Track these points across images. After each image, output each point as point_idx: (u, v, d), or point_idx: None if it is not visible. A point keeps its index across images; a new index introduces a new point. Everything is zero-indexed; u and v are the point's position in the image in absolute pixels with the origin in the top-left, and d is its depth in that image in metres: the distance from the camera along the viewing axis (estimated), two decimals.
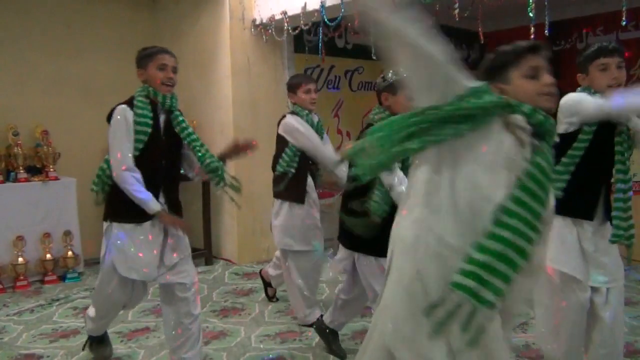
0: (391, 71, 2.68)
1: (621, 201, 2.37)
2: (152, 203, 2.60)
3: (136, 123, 2.62)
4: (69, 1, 5.34)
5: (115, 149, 2.62)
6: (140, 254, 2.66)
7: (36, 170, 4.88)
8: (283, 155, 3.48)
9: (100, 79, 5.34)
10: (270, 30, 5.17)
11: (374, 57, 4.67)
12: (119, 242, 2.67)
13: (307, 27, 4.77)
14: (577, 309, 2.47)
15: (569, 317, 2.49)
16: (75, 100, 5.22)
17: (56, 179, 4.83)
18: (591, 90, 2.37)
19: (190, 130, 2.85)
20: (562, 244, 2.43)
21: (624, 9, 3.48)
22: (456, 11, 3.91)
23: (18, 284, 4.57)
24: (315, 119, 3.64)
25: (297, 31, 4.94)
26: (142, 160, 2.64)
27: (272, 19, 5.05)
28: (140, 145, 2.63)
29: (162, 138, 2.73)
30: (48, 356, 3.25)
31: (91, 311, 3.00)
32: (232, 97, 5.17)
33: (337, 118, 6.09)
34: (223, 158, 2.87)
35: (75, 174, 4.89)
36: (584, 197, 2.41)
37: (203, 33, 5.43)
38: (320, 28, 4.87)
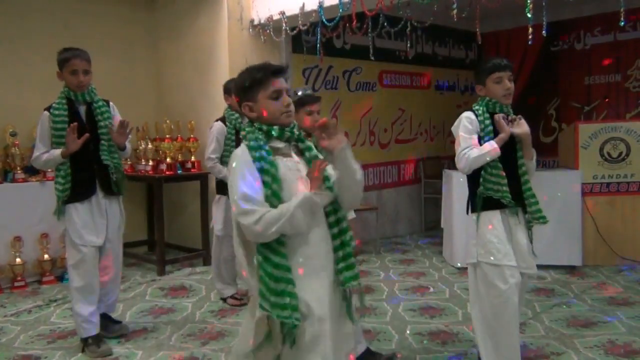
0: (301, 88, 2.91)
1: (530, 184, 2.71)
2: (54, 153, 3.16)
3: (54, 122, 3.17)
4: (67, 1, 5.33)
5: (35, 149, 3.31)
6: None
7: (34, 171, 4.87)
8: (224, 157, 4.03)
9: (98, 78, 5.26)
10: (268, 31, 5.17)
11: (372, 58, 4.68)
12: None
13: (305, 27, 4.77)
14: (512, 294, 2.60)
15: (508, 306, 2.59)
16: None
17: (54, 179, 4.81)
18: (490, 100, 2.75)
19: (102, 123, 3.26)
20: (495, 237, 2.63)
21: (621, 10, 3.48)
22: (454, 11, 3.91)
23: (16, 284, 4.56)
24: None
25: (295, 31, 4.95)
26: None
27: (270, 19, 5.05)
28: (64, 138, 3.11)
29: (85, 126, 3.19)
30: (46, 357, 3.24)
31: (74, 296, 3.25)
32: None
33: (335, 118, 6.09)
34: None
35: None
36: (511, 188, 2.65)
37: (201, 33, 5.43)
38: (319, 28, 4.87)
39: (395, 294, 4.35)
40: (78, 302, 3.22)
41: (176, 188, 5.60)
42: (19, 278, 4.58)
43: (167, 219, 5.45)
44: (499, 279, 2.59)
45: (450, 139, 7.28)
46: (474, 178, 2.73)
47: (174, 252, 5.59)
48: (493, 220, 2.66)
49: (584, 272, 4.78)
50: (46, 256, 4.71)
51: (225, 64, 5.20)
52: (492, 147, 2.60)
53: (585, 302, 4.02)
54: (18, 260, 4.55)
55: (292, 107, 1.90)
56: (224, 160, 3.98)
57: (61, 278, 4.80)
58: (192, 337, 3.52)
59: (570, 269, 4.83)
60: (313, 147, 1.96)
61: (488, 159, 2.60)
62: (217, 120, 4.12)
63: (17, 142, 4.77)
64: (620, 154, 4.92)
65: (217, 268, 4.21)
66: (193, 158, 5.41)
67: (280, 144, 1.89)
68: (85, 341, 3.25)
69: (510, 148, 2.67)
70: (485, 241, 2.65)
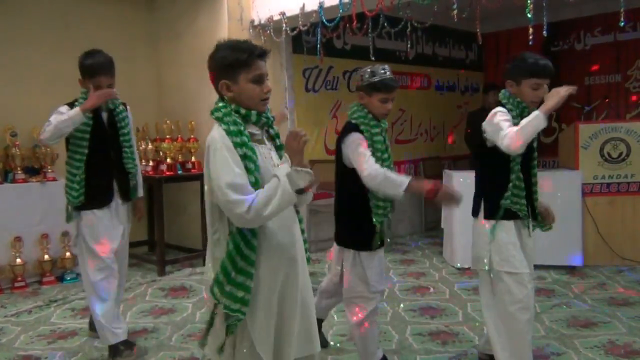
0: (368, 71, 2.69)
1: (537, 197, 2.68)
2: (70, 112, 2.99)
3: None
4: (67, 1, 5.33)
5: None
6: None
7: (34, 171, 4.88)
8: None
9: None
10: (268, 31, 5.17)
11: (372, 58, 4.68)
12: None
13: (305, 27, 4.77)
14: (530, 300, 2.61)
15: (523, 313, 2.59)
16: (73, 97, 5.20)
17: (54, 179, 4.82)
18: (521, 102, 2.55)
19: (124, 130, 3.23)
20: (512, 245, 2.60)
21: (622, 10, 3.48)
22: (454, 12, 3.91)
23: (16, 285, 4.56)
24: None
25: (295, 32, 4.95)
26: (93, 154, 3.08)
27: (270, 19, 5.05)
28: (85, 143, 3.05)
29: (107, 132, 3.16)
30: (46, 357, 3.24)
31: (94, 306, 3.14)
32: None
33: (336, 119, 6.09)
34: None
35: None
36: (525, 198, 2.61)
37: (201, 33, 5.43)
38: (319, 29, 4.87)
39: (395, 294, 4.35)
40: (103, 309, 3.12)
41: (176, 188, 5.60)
42: (19, 278, 4.58)
43: (167, 220, 5.45)
44: (518, 286, 2.57)
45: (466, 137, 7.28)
46: (490, 184, 2.67)
47: (174, 253, 5.59)
48: (509, 228, 2.62)
49: (584, 272, 4.78)
50: (46, 257, 4.71)
51: None
52: (538, 113, 2.37)
53: (586, 303, 4.02)
54: (18, 260, 4.55)
55: (270, 95, 1.87)
56: None
57: (61, 278, 4.81)
58: (192, 338, 3.52)
59: (571, 269, 4.83)
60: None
61: (538, 127, 2.37)
62: None
63: (17, 143, 4.77)
64: (621, 154, 4.92)
65: None
66: (193, 158, 5.41)
67: (255, 130, 1.86)
68: (115, 348, 3.14)
69: (527, 157, 2.61)
70: (502, 249, 2.60)
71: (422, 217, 7.02)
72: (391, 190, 2.53)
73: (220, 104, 1.85)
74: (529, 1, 3.62)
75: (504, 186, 2.59)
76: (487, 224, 2.66)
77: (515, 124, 2.46)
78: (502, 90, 2.66)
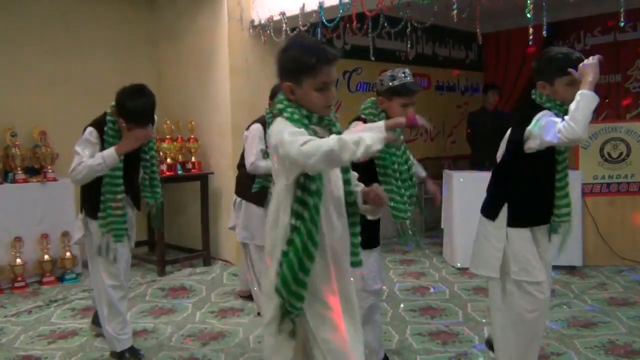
0: (388, 75, 2.65)
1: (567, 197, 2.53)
2: (107, 154, 2.85)
3: (107, 135, 2.92)
4: (67, 1, 5.33)
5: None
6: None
7: (34, 171, 4.88)
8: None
9: (98, 79, 5.33)
10: (268, 31, 5.17)
11: (372, 58, 4.68)
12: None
13: (305, 28, 4.76)
14: (544, 308, 2.57)
15: (538, 320, 2.54)
16: (73, 101, 5.21)
17: (54, 180, 4.83)
18: (556, 102, 2.39)
19: (147, 155, 3.11)
20: (530, 253, 2.50)
21: (622, 10, 3.48)
22: (454, 12, 3.90)
23: (16, 285, 4.56)
24: None
25: (295, 32, 4.94)
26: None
27: (270, 19, 5.05)
28: (119, 180, 2.94)
29: (131, 153, 2.98)
30: (46, 357, 3.24)
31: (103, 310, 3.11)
32: (230, 98, 5.17)
33: (336, 119, 6.08)
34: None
35: None
36: (543, 204, 2.52)
37: (201, 33, 5.43)
38: (319, 29, 4.87)
39: (395, 294, 4.35)
40: (111, 314, 3.09)
41: (176, 188, 5.60)
42: (19, 278, 4.58)
43: (168, 220, 5.45)
44: (534, 295, 2.49)
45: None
46: (520, 192, 2.53)
47: (174, 253, 5.59)
48: (528, 236, 2.52)
49: (584, 272, 4.78)
50: (46, 257, 4.71)
51: (225, 65, 5.20)
52: (584, 91, 2.19)
53: (586, 303, 4.02)
54: (18, 260, 4.55)
55: (334, 101, 1.83)
56: None
57: (61, 279, 4.81)
58: (192, 338, 3.52)
59: (571, 269, 4.83)
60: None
61: (591, 106, 2.18)
62: (254, 122, 3.76)
63: (17, 143, 4.77)
64: (621, 154, 4.92)
65: (259, 281, 3.75)
66: (193, 158, 5.41)
67: (317, 129, 1.81)
68: (121, 355, 3.14)
69: (550, 161, 2.47)
70: (520, 258, 2.50)
71: (422, 217, 7.01)
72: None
73: (285, 102, 1.79)
74: (528, 1, 3.61)
75: (535, 195, 2.49)
76: (505, 231, 2.52)
77: None
78: (534, 92, 2.48)
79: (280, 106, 1.79)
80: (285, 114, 1.75)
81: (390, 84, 2.61)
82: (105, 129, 2.93)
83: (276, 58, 1.81)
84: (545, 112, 2.36)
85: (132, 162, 3.04)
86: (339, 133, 1.83)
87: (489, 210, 2.59)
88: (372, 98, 2.74)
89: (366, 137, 1.60)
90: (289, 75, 1.76)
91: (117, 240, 3.00)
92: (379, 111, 2.67)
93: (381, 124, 1.74)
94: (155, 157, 3.18)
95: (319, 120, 1.81)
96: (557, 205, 2.51)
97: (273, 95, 3.63)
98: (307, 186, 1.72)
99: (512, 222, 2.51)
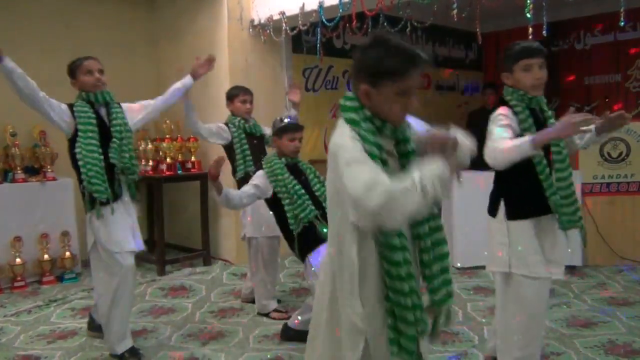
0: (286, 115, 3.06)
1: (564, 189, 2.48)
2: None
3: (79, 117, 3.06)
4: (68, 1, 5.33)
5: None
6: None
7: (34, 171, 4.88)
8: (237, 159, 3.88)
9: None
10: (268, 31, 5.17)
11: None
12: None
13: (305, 27, 4.77)
14: (544, 304, 2.56)
15: (539, 315, 2.54)
16: (73, 101, 5.19)
17: (54, 179, 4.83)
18: (517, 92, 2.45)
19: (115, 122, 3.18)
20: (530, 248, 2.50)
21: (622, 10, 3.48)
22: (454, 12, 3.91)
23: (15, 284, 4.56)
24: (251, 122, 4.05)
25: (295, 31, 4.95)
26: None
27: (270, 19, 5.05)
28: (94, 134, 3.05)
29: (108, 127, 3.14)
30: (46, 357, 3.24)
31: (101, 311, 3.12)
32: None
33: (335, 118, 6.09)
34: None
35: (73, 175, 4.85)
36: (534, 195, 2.50)
37: (201, 33, 5.43)
38: (319, 28, 4.87)
39: None
40: (115, 315, 3.08)
41: (176, 188, 5.60)
42: (18, 278, 4.58)
43: (167, 219, 5.45)
44: (532, 290, 2.49)
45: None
46: (511, 184, 2.55)
47: (174, 252, 5.59)
48: (528, 229, 2.51)
49: (584, 272, 4.78)
50: (46, 256, 4.71)
51: (225, 64, 5.20)
52: (529, 139, 2.19)
53: (585, 302, 4.02)
54: (18, 260, 4.55)
55: (414, 109, 1.60)
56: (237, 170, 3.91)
57: (61, 278, 4.81)
58: (192, 337, 3.52)
59: (570, 269, 4.82)
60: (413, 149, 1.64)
61: (523, 154, 2.21)
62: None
63: (17, 142, 4.77)
64: (620, 154, 4.92)
65: (263, 280, 3.87)
66: (193, 158, 5.41)
67: (387, 142, 1.60)
68: (121, 356, 3.13)
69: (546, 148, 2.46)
70: (520, 251, 2.50)
71: None
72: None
73: (356, 105, 1.57)
74: (528, 1, 3.61)
75: (526, 187, 2.49)
76: (504, 225, 2.54)
77: (523, 120, 2.40)
78: (504, 87, 2.54)
79: (352, 116, 1.56)
80: (357, 128, 1.52)
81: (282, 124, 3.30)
82: None
83: (355, 57, 1.61)
84: (498, 113, 2.42)
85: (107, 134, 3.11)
86: (410, 153, 1.62)
87: (490, 207, 2.64)
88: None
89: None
90: (369, 77, 1.54)
91: (99, 197, 3.00)
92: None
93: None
94: (123, 127, 3.18)
95: (392, 132, 1.58)
96: (549, 198, 2.49)
97: (228, 97, 4.05)
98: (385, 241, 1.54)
99: (510, 215, 2.53)
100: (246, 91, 4.07)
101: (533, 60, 2.41)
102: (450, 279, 1.68)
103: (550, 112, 2.53)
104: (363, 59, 1.57)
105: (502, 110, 2.44)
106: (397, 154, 1.63)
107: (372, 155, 1.48)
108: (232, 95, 4.04)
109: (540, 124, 2.45)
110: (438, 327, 1.69)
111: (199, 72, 3.64)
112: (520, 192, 2.52)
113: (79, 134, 3.03)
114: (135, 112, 3.36)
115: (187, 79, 3.61)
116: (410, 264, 1.56)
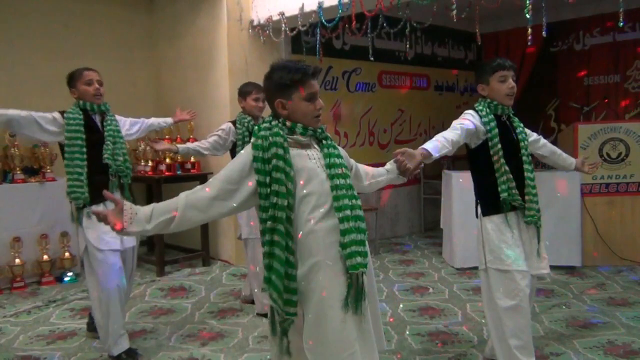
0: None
1: (531, 187, 2.73)
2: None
3: (67, 124, 3.11)
4: (67, 2, 5.33)
5: None
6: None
7: (33, 171, 4.88)
8: None
9: None
10: (267, 31, 5.17)
11: (372, 58, 4.68)
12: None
13: (304, 28, 4.77)
14: (523, 298, 2.64)
15: (522, 310, 2.63)
16: (72, 101, 5.19)
17: (53, 180, 4.83)
18: (492, 102, 2.79)
19: (109, 127, 3.23)
20: (503, 242, 2.67)
21: (621, 11, 3.48)
22: (454, 12, 3.90)
23: (15, 285, 4.56)
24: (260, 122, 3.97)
25: (294, 32, 4.95)
26: (91, 154, 3.10)
27: (269, 19, 5.05)
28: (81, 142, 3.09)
29: (102, 133, 3.20)
30: (45, 358, 3.24)
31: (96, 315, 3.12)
32: (229, 98, 5.17)
33: (335, 119, 6.09)
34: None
35: None
36: (494, 191, 2.70)
37: (200, 34, 5.43)
38: (318, 29, 4.87)
39: (395, 294, 4.35)
40: (114, 317, 3.08)
41: (175, 189, 5.52)
42: (18, 279, 4.58)
43: None
44: (509, 285, 2.61)
45: None
46: (480, 183, 2.80)
47: (173, 253, 5.59)
48: (500, 224, 2.69)
49: (583, 272, 4.79)
50: (45, 257, 4.71)
51: (224, 65, 5.20)
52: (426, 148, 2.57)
53: (585, 303, 4.02)
54: (17, 260, 4.55)
55: (322, 111, 1.98)
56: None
57: (60, 279, 4.81)
58: (191, 338, 3.52)
59: (570, 270, 4.83)
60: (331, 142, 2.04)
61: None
62: (229, 122, 4.01)
63: (16, 143, 4.77)
64: (620, 154, 4.93)
65: (261, 280, 3.95)
66: (192, 159, 5.41)
67: (302, 138, 1.95)
68: (118, 357, 3.14)
69: (514, 149, 2.73)
70: (493, 247, 2.67)
71: (421, 217, 7.02)
72: None
73: (268, 121, 1.95)
74: (528, 1, 3.61)
75: (492, 183, 2.69)
76: (480, 222, 2.77)
77: (486, 123, 2.72)
78: (479, 99, 2.85)
79: (266, 126, 1.95)
80: (255, 140, 1.92)
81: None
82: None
83: (263, 85, 2.00)
84: (468, 111, 2.82)
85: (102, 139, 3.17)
86: (328, 141, 2.03)
87: (475, 210, 2.85)
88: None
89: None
90: (280, 93, 1.92)
91: (75, 202, 3.07)
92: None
93: None
94: (116, 132, 3.25)
95: (303, 131, 1.93)
96: (501, 190, 2.68)
97: (240, 93, 3.98)
98: None
99: (483, 212, 2.76)
100: (259, 89, 3.89)
101: (508, 73, 2.72)
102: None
103: (518, 120, 2.84)
104: (271, 82, 1.95)
105: (469, 111, 2.82)
106: (317, 139, 2.00)
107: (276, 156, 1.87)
108: (245, 92, 3.92)
109: (507, 129, 2.75)
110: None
111: (180, 119, 4.12)
112: (487, 189, 2.73)
113: (66, 141, 3.10)
114: (129, 125, 3.52)
115: (169, 120, 3.98)
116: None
